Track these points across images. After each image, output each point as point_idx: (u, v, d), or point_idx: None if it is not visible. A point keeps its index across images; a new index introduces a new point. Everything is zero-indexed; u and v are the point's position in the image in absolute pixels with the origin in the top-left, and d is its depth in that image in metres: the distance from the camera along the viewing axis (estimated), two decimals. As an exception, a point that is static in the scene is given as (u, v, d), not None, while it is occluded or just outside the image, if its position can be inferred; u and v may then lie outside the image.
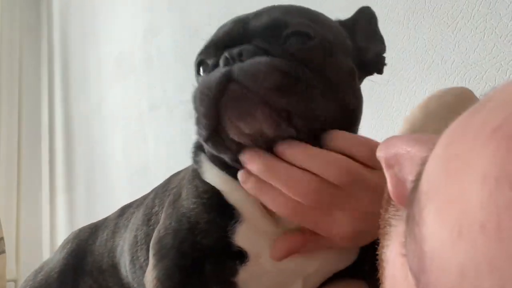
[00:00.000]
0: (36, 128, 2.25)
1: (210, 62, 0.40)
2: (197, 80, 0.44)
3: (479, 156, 0.14)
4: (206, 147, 0.41)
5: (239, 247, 0.41)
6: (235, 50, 0.36)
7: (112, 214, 0.73)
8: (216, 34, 0.42)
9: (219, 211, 0.42)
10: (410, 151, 0.20)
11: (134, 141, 1.62)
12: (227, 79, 0.35)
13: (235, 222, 0.41)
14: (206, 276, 0.41)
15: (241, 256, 0.41)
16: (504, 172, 0.13)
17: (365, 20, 0.48)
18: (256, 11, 0.42)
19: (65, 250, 0.71)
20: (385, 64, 0.47)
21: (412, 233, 0.17)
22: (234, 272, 0.41)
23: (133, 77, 1.66)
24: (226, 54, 0.36)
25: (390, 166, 0.21)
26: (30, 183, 2.12)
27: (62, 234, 2.00)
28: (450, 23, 0.79)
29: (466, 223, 0.13)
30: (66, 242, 0.73)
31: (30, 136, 2.21)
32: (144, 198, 0.64)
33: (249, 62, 0.35)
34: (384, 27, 0.88)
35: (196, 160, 0.45)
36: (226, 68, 0.35)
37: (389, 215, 0.22)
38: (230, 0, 1.25)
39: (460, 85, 0.79)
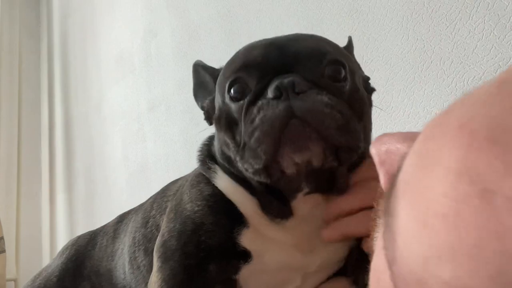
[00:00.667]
0: (36, 128, 2.26)
1: (251, 85, 0.40)
2: (225, 97, 0.43)
3: (446, 151, 0.15)
4: (226, 165, 0.43)
5: (244, 247, 0.42)
6: (286, 81, 0.37)
7: (111, 221, 0.74)
8: (250, 56, 0.42)
9: (225, 214, 0.43)
10: (399, 148, 0.21)
11: (133, 140, 1.62)
12: (290, 116, 0.36)
13: (242, 227, 0.42)
14: (210, 275, 0.42)
15: (245, 255, 0.42)
16: (464, 165, 0.14)
17: (351, 49, 0.53)
18: (285, 37, 0.43)
19: (64, 256, 0.71)
20: (373, 90, 0.50)
21: (388, 226, 0.17)
22: (237, 270, 0.43)
23: (133, 77, 1.66)
24: (277, 83, 0.37)
25: (382, 163, 0.22)
26: (30, 183, 2.13)
27: (62, 233, 2.00)
28: (449, 24, 0.80)
29: (430, 214, 0.14)
30: (65, 248, 0.74)
31: (30, 135, 2.21)
32: (142, 204, 0.66)
33: (309, 101, 0.37)
34: (383, 28, 0.89)
35: (207, 167, 0.47)
36: (286, 104, 0.36)
37: (380, 208, 0.23)
38: (229, 1, 1.26)
39: (458, 85, 0.79)
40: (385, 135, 0.23)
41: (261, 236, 0.42)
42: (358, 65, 0.49)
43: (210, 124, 0.48)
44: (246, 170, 0.39)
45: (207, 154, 0.48)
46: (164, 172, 1.43)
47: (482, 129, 0.14)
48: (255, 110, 0.38)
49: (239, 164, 0.39)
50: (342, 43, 0.91)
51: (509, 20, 0.72)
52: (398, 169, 0.19)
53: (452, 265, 0.13)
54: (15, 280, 1.88)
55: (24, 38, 2.28)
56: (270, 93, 0.37)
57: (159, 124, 1.51)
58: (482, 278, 0.12)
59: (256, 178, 0.39)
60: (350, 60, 0.44)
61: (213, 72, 0.51)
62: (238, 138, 0.40)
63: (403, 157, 0.19)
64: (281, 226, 0.42)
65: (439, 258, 0.14)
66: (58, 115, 2.19)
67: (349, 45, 0.52)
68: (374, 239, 0.23)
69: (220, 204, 0.43)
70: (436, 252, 0.14)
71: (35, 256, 2.03)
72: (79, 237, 0.77)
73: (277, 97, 0.37)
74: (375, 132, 0.91)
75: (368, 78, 0.50)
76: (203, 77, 0.52)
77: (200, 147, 0.51)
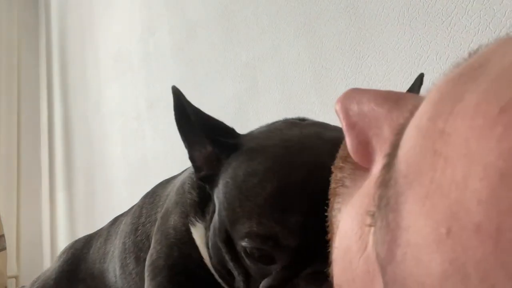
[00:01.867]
0: (35, 126, 2.26)
1: (276, 258, 0.32)
2: (236, 238, 0.34)
3: (480, 142, 0.11)
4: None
5: None
6: None
7: (106, 224, 0.75)
8: (286, 228, 0.31)
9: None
10: (376, 110, 0.17)
11: (132, 138, 1.63)
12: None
13: None
14: None
15: None
16: (511, 165, 0.10)
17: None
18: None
19: (61, 259, 0.73)
20: None
21: (385, 219, 0.14)
22: None
23: (131, 75, 1.67)
24: None
25: (352, 126, 0.18)
26: (30, 181, 2.13)
27: (62, 231, 2.01)
28: (445, 19, 0.80)
29: (457, 221, 0.11)
30: (63, 252, 0.76)
31: (29, 134, 2.21)
32: (132, 207, 0.66)
33: None
34: (380, 24, 0.89)
35: (194, 220, 0.43)
36: None
37: (344, 174, 0.19)
38: (227, -2, 1.26)
39: (454, 80, 0.80)
40: (354, 90, 0.19)
41: None
42: None
43: (203, 182, 0.40)
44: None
45: (200, 202, 0.43)
46: (164, 170, 1.43)
47: None
48: None
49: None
50: (339, 40, 0.92)
51: (505, 14, 0.73)
52: (393, 146, 0.15)
53: (482, 286, 0.11)
54: (16, 278, 1.89)
55: (22, 36, 2.28)
56: None
57: (158, 121, 1.51)
58: None
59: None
60: None
61: (197, 114, 0.40)
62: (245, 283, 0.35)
63: (398, 131, 0.15)
64: None
65: (466, 275, 0.11)
66: (57, 113, 2.19)
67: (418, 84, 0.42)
68: (336, 210, 0.19)
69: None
70: (463, 267, 0.11)
71: (36, 253, 2.04)
72: (76, 240, 0.78)
73: None
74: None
75: None
76: (186, 111, 0.40)
77: (194, 186, 0.45)
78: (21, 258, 1.96)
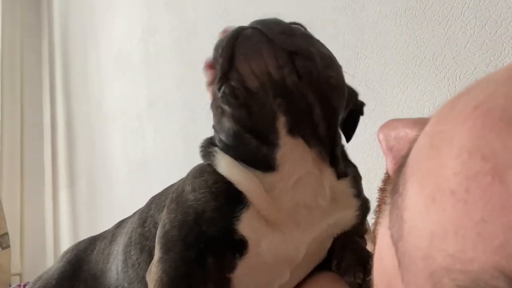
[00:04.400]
0: (38, 125, 2.28)
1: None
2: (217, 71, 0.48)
3: (459, 132, 0.15)
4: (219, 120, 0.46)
5: (242, 235, 0.43)
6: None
7: (111, 227, 0.75)
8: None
9: (226, 198, 0.44)
10: (408, 133, 0.21)
11: (133, 137, 1.64)
12: (244, 28, 0.42)
13: (242, 208, 0.43)
14: (208, 269, 0.42)
15: (241, 247, 0.43)
16: (477, 144, 0.14)
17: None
18: None
19: (64, 259, 0.73)
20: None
21: (395, 204, 0.18)
22: (233, 266, 0.43)
23: (132, 75, 1.68)
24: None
25: (390, 149, 0.22)
26: (33, 179, 2.15)
27: (65, 228, 2.03)
28: (441, 20, 0.81)
29: (439, 190, 0.14)
30: (66, 252, 0.76)
31: (32, 133, 2.23)
32: (140, 208, 0.67)
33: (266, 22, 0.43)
34: (377, 24, 0.90)
35: (208, 152, 0.48)
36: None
37: (386, 194, 0.23)
38: (227, -2, 1.27)
39: (451, 80, 0.80)
40: (393, 120, 0.23)
41: (259, 219, 0.43)
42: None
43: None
44: (222, 102, 0.42)
45: (209, 142, 0.50)
46: (164, 168, 1.45)
47: (497, 109, 0.14)
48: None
49: (220, 100, 0.43)
50: (337, 40, 0.93)
51: (500, 15, 0.74)
52: (408, 151, 0.19)
53: (457, 239, 0.13)
54: (20, 275, 1.92)
55: (25, 37, 2.29)
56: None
57: (158, 120, 1.52)
58: (486, 250, 0.13)
59: (226, 103, 0.42)
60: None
61: None
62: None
63: (414, 140, 0.19)
64: (279, 206, 0.43)
65: (445, 233, 0.14)
66: (59, 112, 2.21)
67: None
68: (378, 224, 0.23)
69: (222, 189, 0.44)
70: (443, 226, 0.14)
71: (39, 250, 2.06)
72: (79, 242, 0.78)
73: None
74: (370, 128, 0.94)
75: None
76: None
77: (201, 142, 0.52)
78: (24, 256, 1.99)
